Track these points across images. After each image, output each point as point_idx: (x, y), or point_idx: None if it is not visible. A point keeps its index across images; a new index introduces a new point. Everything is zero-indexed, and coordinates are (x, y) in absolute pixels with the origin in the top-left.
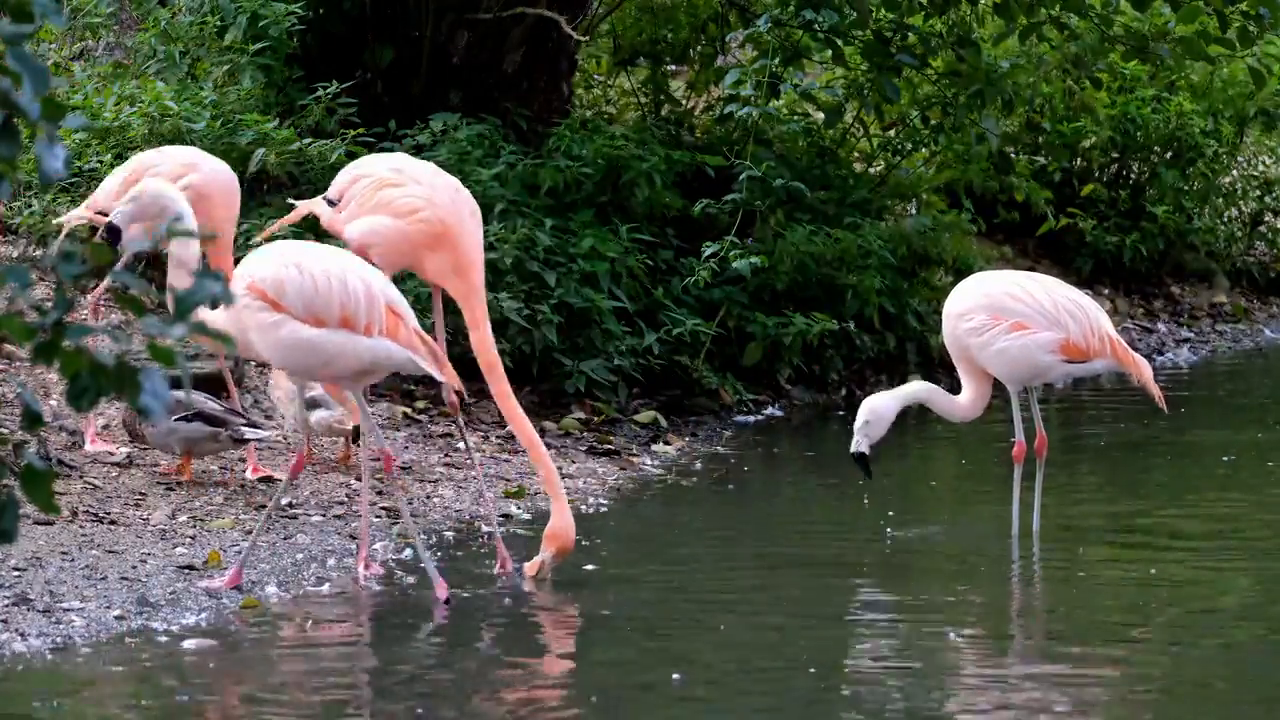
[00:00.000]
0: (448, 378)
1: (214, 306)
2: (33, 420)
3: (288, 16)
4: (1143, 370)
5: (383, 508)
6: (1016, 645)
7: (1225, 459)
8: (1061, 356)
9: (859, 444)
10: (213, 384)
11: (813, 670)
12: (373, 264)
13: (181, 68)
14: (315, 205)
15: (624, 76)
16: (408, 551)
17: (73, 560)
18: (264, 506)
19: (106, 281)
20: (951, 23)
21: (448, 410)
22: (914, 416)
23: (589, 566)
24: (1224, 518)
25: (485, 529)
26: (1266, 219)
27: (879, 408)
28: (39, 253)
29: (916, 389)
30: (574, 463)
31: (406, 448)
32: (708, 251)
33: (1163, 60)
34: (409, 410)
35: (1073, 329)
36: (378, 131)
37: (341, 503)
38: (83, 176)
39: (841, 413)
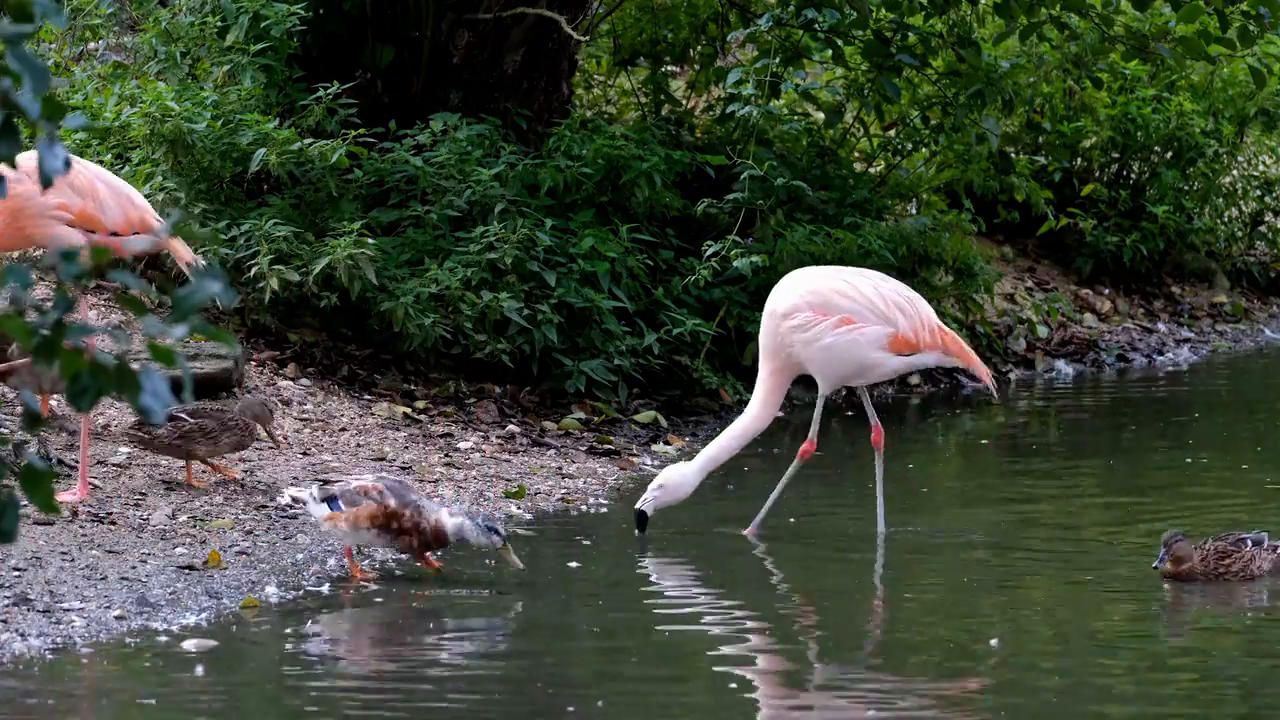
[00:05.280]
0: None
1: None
2: (33, 420)
3: (289, 17)
4: (973, 360)
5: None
6: (1036, 646)
7: (1199, 459)
8: (891, 351)
9: (645, 503)
10: (213, 385)
11: (817, 667)
12: None
13: (182, 68)
14: None
15: (624, 76)
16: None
17: (73, 560)
18: (265, 506)
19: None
20: (951, 23)
21: (448, 410)
22: (914, 417)
23: (589, 566)
24: (1178, 519)
25: None
26: (1266, 219)
27: (681, 484)
28: (39, 253)
29: (713, 455)
30: (574, 463)
31: (406, 448)
32: (709, 251)
33: (1163, 60)
34: (409, 410)
35: (902, 323)
36: (378, 131)
37: None
38: None
39: (846, 413)
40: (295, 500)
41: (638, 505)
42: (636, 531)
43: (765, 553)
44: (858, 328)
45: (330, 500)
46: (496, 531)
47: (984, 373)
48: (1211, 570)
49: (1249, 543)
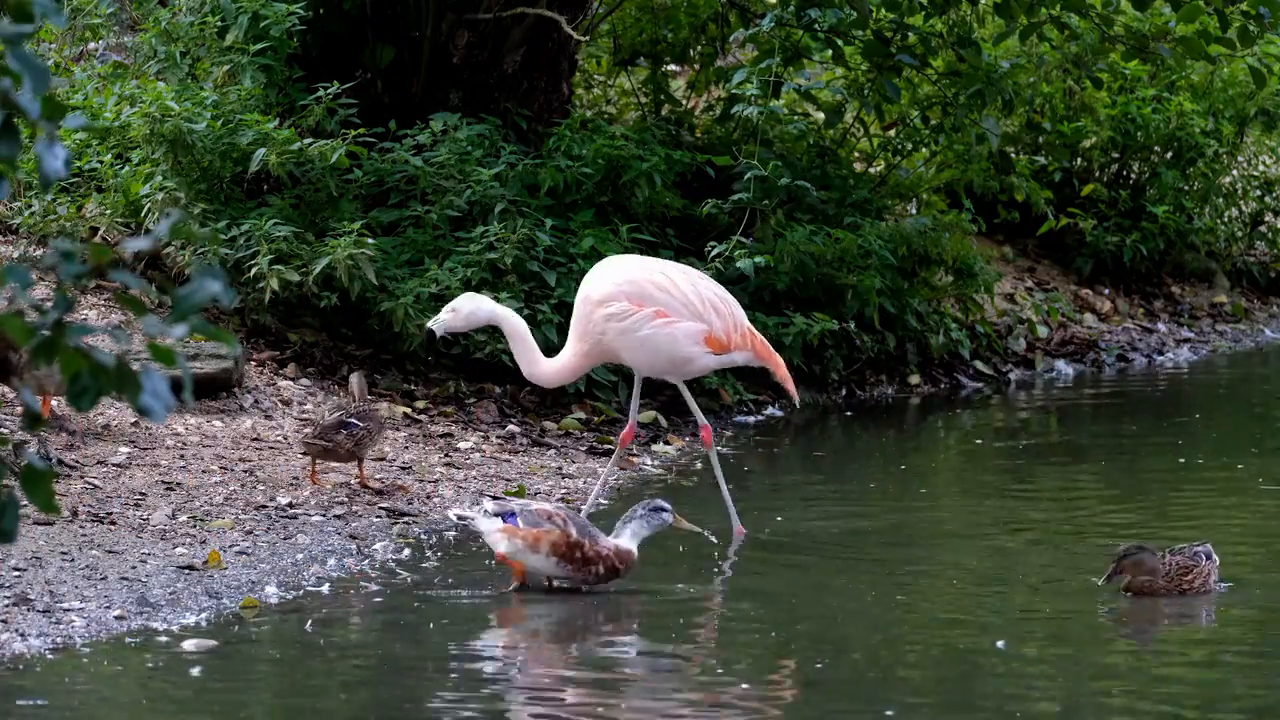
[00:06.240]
0: None
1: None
2: (33, 420)
3: (288, 17)
4: (779, 366)
5: (382, 508)
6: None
7: (1196, 461)
8: (705, 348)
9: (436, 324)
10: (213, 384)
11: (818, 667)
12: None
13: (182, 68)
14: None
15: (624, 76)
16: (406, 551)
17: (73, 560)
18: (264, 507)
19: None
20: (951, 23)
21: (448, 410)
22: (914, 417)
23: None
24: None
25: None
26: (1266, 219)
27: (475, 313)
28: (39, 253)
29: (517, 323)
30: (574, 463)
31: (406, 448)
32: (714, 252)
33: (1163, 60)
34: (409, 410)
35: (715, 322)
36: (378, 131)
37: (341, 503)
38: (83, 176)
39: (845, 413)
40: (460, 518)
41: (429, 324)
42: (428, 351)
43: (765, 550)
44: (673, 322)
45: (507, 515)
46: (663, 509)
47: (787, 380)
48: (1174, 586)
49: (1203, 556)
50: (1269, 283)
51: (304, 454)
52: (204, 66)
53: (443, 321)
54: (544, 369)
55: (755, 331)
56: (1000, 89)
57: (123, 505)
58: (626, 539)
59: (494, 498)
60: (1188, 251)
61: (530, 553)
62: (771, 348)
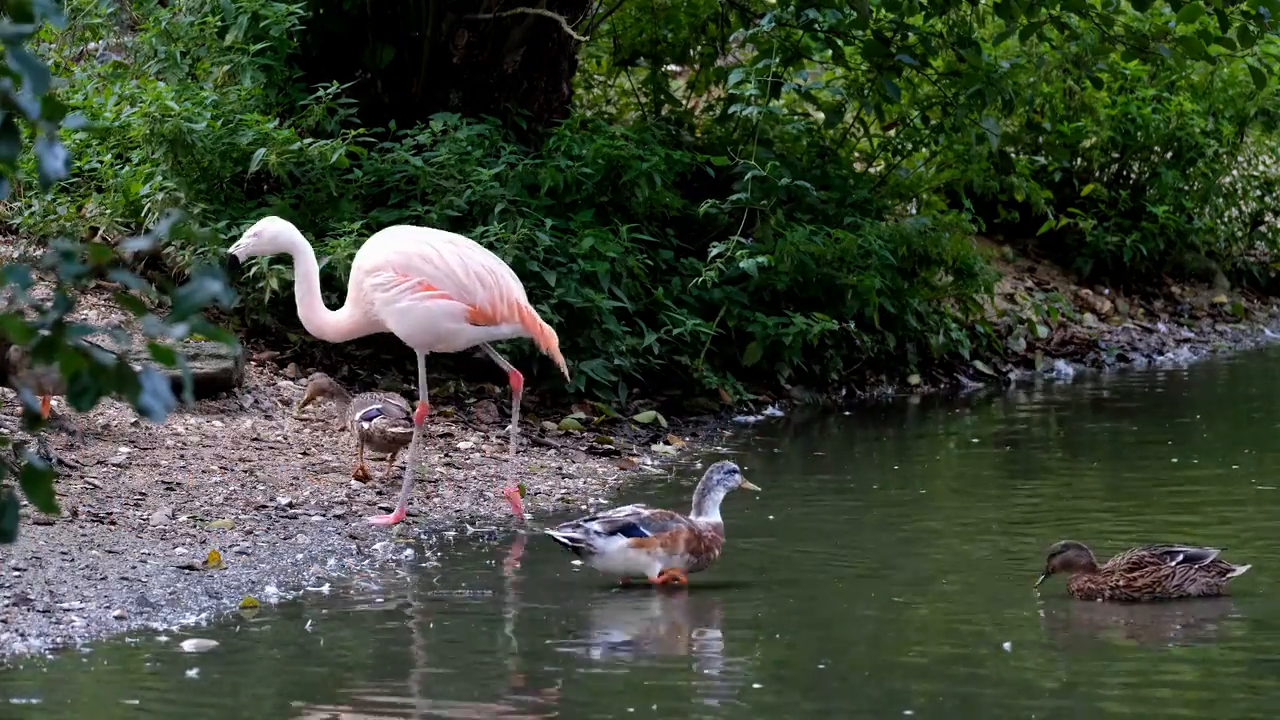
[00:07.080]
0: None
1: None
2: (33, 420)
3: (288, 17)
4: (549, 341)
5: (382, 508)
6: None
7: (1193, 461)
8: (467, 321)
9: (238, 248)
10: (213, 384)
11: (820, 668)
12: None
13: (182, 68)
14: None
15: (624, 76)
16: (407, 551)
17: (73, 560)
18: (264, 507)
19: None
20: (951, 23)
21: (447, 411)
22: (914, 417)
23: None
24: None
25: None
26: (1266, 219)
27: (277, 237)
28: (39, 253)
29: (312, 264)
30: (574, 463)
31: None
32: (714, 251)
33: (1163, 60)
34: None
35: (480, 295)
36: (378, 131)
37: (341, 503)
38: (83, 176)
39: (845, 413)
40: (573, 542)
41: (230, 250)
42: (226, 280)
43: (765, 550)
44: (433, 296)
45: (626, 530)
46: (735, 470)
47: (556, 354)
48: (1117, 584)
49: (1180, 557)
50: (1269, 283)
51: (394, 441)
52: (204, 66)
53: (244, 245)
54: (321, 317)
55: (526, 305)
56: (1000, 89)
57: (123, 505)
58: (712, 510)
59: (594, 517)
60: (1188, 251)
61: (667, 556)
62: (541, 321)
